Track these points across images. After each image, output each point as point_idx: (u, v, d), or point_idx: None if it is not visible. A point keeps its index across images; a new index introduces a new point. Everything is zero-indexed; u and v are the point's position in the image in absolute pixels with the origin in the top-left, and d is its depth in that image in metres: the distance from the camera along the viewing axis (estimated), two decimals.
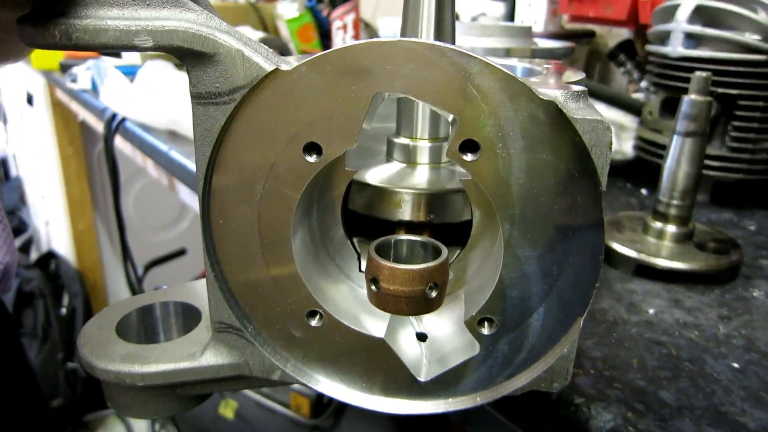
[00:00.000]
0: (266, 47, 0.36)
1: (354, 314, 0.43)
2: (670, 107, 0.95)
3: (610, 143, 0.33)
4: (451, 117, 0.34)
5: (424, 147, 0.46)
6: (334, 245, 0.46)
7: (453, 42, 0.45)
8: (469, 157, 0.35)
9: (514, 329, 0.39)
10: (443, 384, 0.42)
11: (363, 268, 0.46)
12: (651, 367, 0.51)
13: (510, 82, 0.33)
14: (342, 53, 0.34)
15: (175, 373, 0.43)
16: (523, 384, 0.40)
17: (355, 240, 0.46)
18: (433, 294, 0.35)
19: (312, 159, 0.37)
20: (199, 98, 0.36)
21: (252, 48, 0.35)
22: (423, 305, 0.36)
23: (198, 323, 0.49)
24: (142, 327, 0.49)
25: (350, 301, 0.45)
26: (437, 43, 0.33)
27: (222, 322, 0.43)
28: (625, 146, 1.13)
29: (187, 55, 0.35)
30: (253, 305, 0.42)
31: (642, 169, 1.01)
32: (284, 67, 0.35)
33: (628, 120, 1.17)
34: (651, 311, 0.60)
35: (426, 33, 0.43)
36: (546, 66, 0.50)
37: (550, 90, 0.34)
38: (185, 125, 1.15)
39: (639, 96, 1.16)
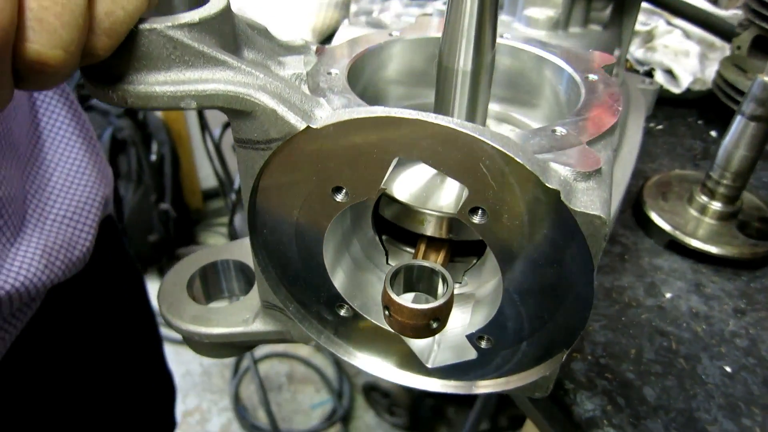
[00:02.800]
0: (302, 95, 0.39)
1: (379, 302, 0.50)
2: (761, 46, 0.87)
3: (606, 235, 0.35)
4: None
5: None
6: (366, 241, 0.52)
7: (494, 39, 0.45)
8: (476, 220, 0.38)
9: (506, 349, 0.45)
10: (447, 371, 0.50)
11: (390, 261, 0.52)
12: (646, 360, 0.56)
13: (519, 169, 0.35)
14: (366, 122, 0.37)
15: (231, 335, 0.52)
16: (511, 388, 0.47)
17: (384, 237, 0.51)
18: (435, 325, 0.41)
19: (340, 198, 0.41)
20: (240, 142, 0.40)
21: (286, 105, 0.38)
22: (425, 333, 0.42)
23: (253, 283, 0.58)
24: (207, 281, 0.59)
25: (377, 289, 0.52)
26: (454, 126, 0.35)
27: (268, 301, 0.51)
28: (708, 72, 1.05)
29: (228, 111, 0.38)
30: (292, 295, 0.50)
31: (718, 107, 0.96)
32: (315, 125, 0.38)
33: (718, 40, 1.07)
34: (668, 295, 0.63)
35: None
36: (596, 70, 0.49)
37: (562, 166, 0.36)
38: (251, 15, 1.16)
39: (736, 12, 1.04)
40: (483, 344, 0.45)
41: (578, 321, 0.41)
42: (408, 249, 0.51)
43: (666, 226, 0.69)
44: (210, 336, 0.52)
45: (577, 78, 0.48)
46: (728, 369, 0.55)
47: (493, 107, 0.58)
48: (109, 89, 0.37)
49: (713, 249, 0.67)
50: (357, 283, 0.50)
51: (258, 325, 0.52)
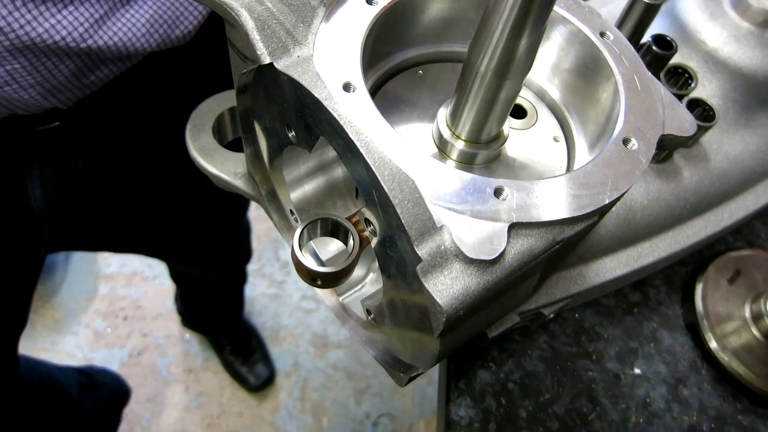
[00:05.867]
0: (294, 24, 0.38)
1: None
2: None
3: (443, 323, 0.33)
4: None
5: (456, 145, 0.45)
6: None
7: None
8: (367, 231, 0.38)
9: (382, 335, 0.47)
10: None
11: (358, 197, 0.53)
12: (551, 411, 0.55)
13: (398, 218, 0.33)
14: (306, 92, 0.36)
15: (219, 178, 0.59)
16: (377, 358, 0.50)
17: None
18: (319, 282, 0.44)
19: (291, 135, 0.42)
20: (228, 41, 0.41)
21: (263, 33, 0.37)
22: (312, 284, 0.44)
23: None
24: (236, 119, 0.64)
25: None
26: (359, 147, 0.33)
27: (251, 175, 0.56)
28: None
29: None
30: (266, 180, 0.54)
31: None
32: (277, 65, 0.37)
33: None
34: (637, 371, 0.58)
35: None
36: (648, 136, 0.40)
37: (452, 238, 0.33)
38: None
39: None
40: (370, 317, 0.48)
41: (425, 364, 0.41)
42: None
43: (700, 308, 0.60)
44: (204, 169, 0.59)
45: (615, 133, 0.40)
46: None
47: (555, 92, 0.50)
48: None
49: (730, 361, 0.57)
50: (320, 201, 0.53)
51: (240, 183, 0.58)
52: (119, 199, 0.93)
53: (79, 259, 2.11)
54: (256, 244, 2.10)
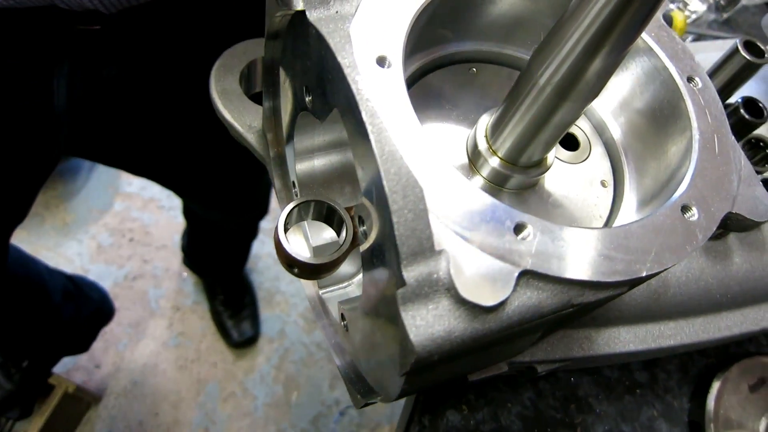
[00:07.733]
0: None
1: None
2: None
3: (410, 364, 0.28)
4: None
5: (491, 161, 0.39)
6: None
7: None
8: (360, 227, 0.33)
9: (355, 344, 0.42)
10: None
11: None
12: None
13: (392, 226, 0.28)
14: (329, 51, 0.30)
15: (232, 128, 0.54)
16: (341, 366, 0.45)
17: None
18: (295, 270, 0.38)
19: (307, 99, 0.37)
20: None
21: None
22: (288, 269, 0.39)
23: None
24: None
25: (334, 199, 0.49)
26: (371, 136, 0.27)
27: (263, 132, 0.51)
28: None
29: None
30: (274, 146, 0.49)
31: None
32: (311, 15, 0.32)
33: None
34: None
35: None
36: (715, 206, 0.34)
37: (447, 267, 0.28)
38: None
39: None
40: (343, 322, 0.42)
41: (385, 396, 0.36)
42: None
43: (711, 408, 0.53)
44: (219, 113, 0.54)
45: (675, 197, 0.34)
46: None
47: (617, 131, 0.44)
48: None
49: None
50: (327, 181, 0.47)
51: (252, 138, 0.53)
52: (142, 118, 0.89)
53: (103, 171, 2.10)
54: (275, 204, 2.07)
